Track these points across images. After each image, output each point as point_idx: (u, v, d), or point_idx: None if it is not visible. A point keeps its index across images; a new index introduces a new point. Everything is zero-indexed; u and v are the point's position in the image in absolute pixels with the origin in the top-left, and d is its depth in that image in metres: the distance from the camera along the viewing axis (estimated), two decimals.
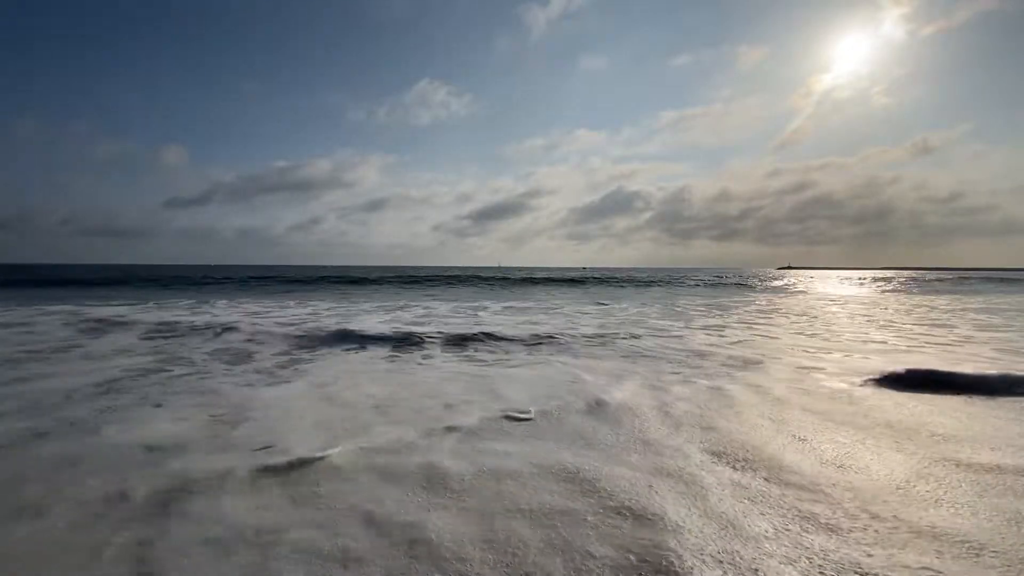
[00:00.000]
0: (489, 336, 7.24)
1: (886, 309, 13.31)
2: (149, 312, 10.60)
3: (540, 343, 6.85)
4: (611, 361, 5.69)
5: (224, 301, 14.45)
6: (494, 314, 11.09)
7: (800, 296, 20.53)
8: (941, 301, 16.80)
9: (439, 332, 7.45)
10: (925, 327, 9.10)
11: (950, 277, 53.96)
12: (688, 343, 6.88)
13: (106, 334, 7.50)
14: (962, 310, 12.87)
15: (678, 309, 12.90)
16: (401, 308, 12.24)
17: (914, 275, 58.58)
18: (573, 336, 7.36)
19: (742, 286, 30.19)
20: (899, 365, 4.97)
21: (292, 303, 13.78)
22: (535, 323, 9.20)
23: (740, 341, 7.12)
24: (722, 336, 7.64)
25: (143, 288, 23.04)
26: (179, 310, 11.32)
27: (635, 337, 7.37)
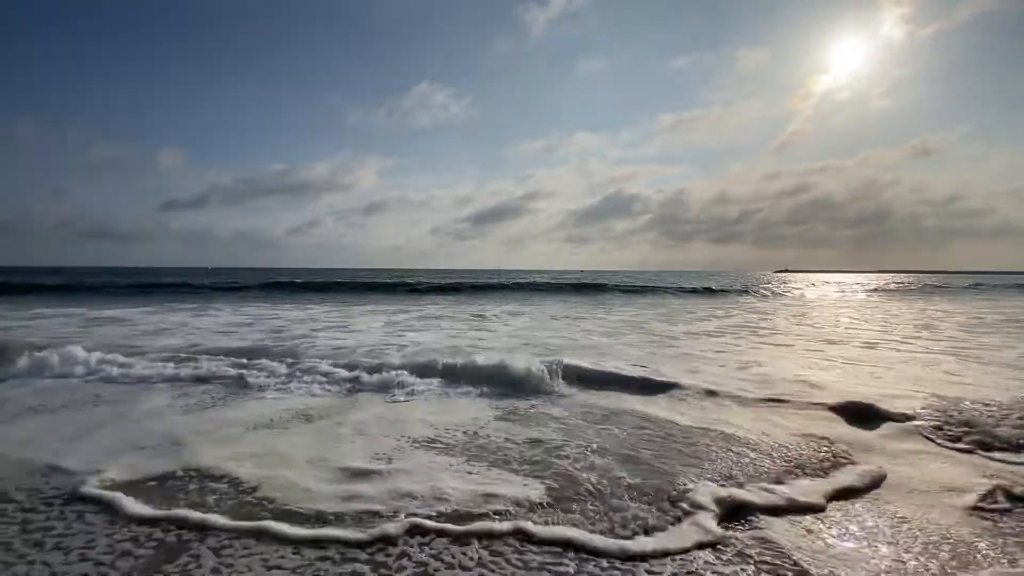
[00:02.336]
0: None
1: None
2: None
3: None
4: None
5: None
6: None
7: (828, 310, 19.71)
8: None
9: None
10: None
11: (987, 283, 49.83)
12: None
13: None
14: None
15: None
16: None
17: (934, 280, 56.15)
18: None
19: (753, 293, 29.40)
20: None
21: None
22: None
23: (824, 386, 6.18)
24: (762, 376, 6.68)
25: (141, 294, 21.86)
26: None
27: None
